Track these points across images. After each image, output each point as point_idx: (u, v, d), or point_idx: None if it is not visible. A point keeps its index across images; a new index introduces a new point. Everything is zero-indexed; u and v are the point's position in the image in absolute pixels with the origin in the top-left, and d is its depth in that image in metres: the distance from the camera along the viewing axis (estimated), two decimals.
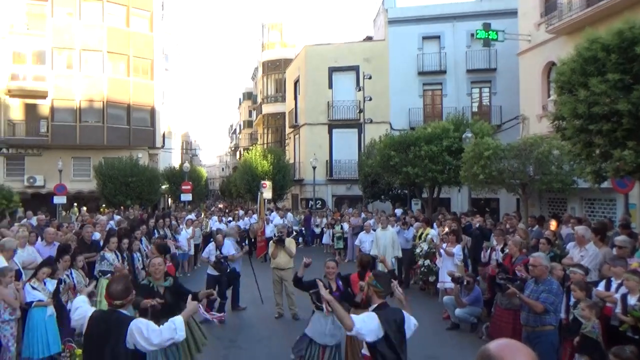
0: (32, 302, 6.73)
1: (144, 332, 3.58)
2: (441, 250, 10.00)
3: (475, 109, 27.48)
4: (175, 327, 3.70)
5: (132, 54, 29.76)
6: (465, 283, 8.65)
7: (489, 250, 9.79)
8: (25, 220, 14.55)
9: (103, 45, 28.67)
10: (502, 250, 8.90)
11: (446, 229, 11.11)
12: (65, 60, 28.33)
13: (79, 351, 6.84)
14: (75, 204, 25.19)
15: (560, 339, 5.82)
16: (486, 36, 19.89)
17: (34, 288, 6.86)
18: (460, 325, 8.86)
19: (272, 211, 21.13)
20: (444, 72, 27.78)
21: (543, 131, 14.91)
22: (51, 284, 7.11)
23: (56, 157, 26.55)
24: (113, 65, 29.30)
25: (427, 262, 11.35)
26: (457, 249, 9.83)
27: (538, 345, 5.25)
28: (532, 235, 10.32)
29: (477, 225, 12.06)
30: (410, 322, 4.11)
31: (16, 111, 28.15)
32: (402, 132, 20.48)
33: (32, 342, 6.66)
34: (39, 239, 9.27)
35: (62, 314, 7.12)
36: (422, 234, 12.31)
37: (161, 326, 3.71)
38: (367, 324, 3.86)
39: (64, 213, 22.58)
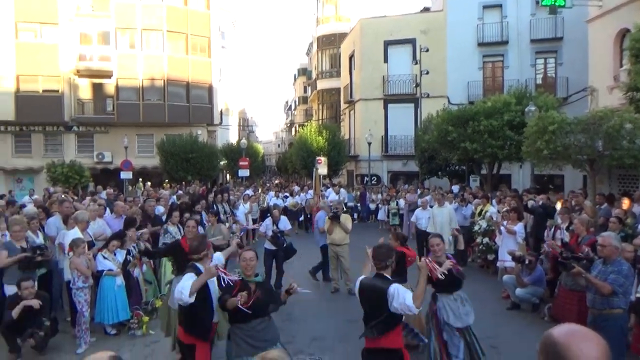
0: (103, 270, 7.15)
1: (178, 286, 4.28)
2: (502, 228, 9.69)
3: (539, 81, 26.15)
4: (182, 289, 4.17)
5: (190, 32, 30.40)
6: (527, 262, 8.36)
7: (552, 229, 9.39)
8: (97, 194, 15.43)
9: (162, 24, 29.44)
10: (568, 229, 8.51)
11: (506, 207, 10.74)
12: (127, 40, 29.36)
13: (146, 318, 7.25)
14: (140, 179, 26.35)
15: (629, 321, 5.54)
16: (552, 3, 18.66)
17: (105, 258, 7.29)
18: (521, 306, 8.61)
19: (328, 187, 21.23)
20: (506, 42, 26.52)
21: (614, 103, 13.97)
22: (120, 255, 7.52)
23: (122, 134, 27.80)
24: (172, 44, 30.07)
25: (486, 239, 11.07)
26: (518, 227, 9.50)
27: (605, 329, 5.01)
28: (600, 214, 9.80)
29: (541, 202, 11.57)
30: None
31: (84, 91, 29.59)
32: (460, 107, 19.84)
33: (102, 309, 7.11)
34: (107, 211, 9.82)
35: (130, 284, 7.53)
36: (481, 211, 11.98)
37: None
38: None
39: (130, 188, 23.69)
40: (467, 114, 17.92)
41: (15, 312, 6.09)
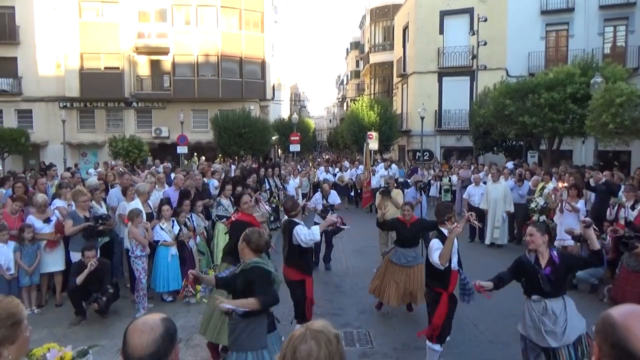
0: (158, 240, 7.46)
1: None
2: (565, 206, 9.19)
3: (607, 51, 24.54)
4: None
5: (243, 7, 30.58)
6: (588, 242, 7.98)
7: (616, 207, 8.89)
8: (154, 167, 16.05)
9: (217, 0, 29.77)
10: (633, 208, 8.04)
11: (564, 184, 10.24)
12: (183, 16, 29.93)
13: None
14: (195, 154, 27.13)
15: None
16: None
17: (161, 229, 7.59)
18: (579, 286, 8.28)
19: (378, 162, 21.05)
20: (572, 9, 24.97)
21: None
22: (176, 227, 7.81)
23: (178, 109, 28.62)
24: (226, 20, 30.37)
25: (543, 217, 10.64)
26: (581, 204, 9.06)
27: None
28: None
29: (604, 179, 10.96)
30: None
31: (143, 67, 30.56)
32: (519, 79, 18.98)
33: (156, 277, 7.46)
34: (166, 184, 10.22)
35: (184, 254, 7.83)
36: (543, 187, 11.48)
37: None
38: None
39: (185, 162, 24.45)
40: (526, 86, 17.14)
41: (79, 279, 6.48)
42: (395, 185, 10.71)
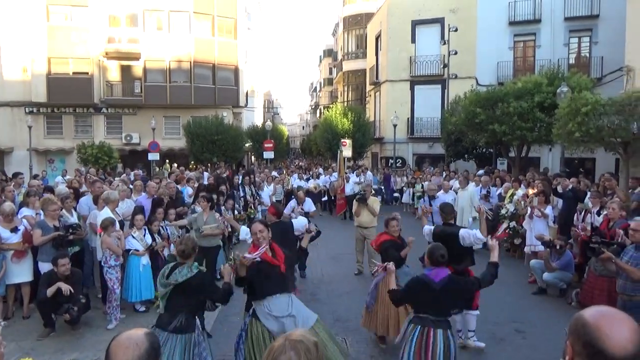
0: (129, 250, 7.33)
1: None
2: (534, 212, 9.41)
3: (572, 61, 25.33)
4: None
5: (216, 14, 30.42)
6: (558, 247, 8.21)
7: (582, 213, 9.18)
8: (124, 175, 15.76)
9: (189, 5, 29.53)
10: (598, 214, 8.31)
11: (534, 190, 10.51)
12: (155, 22, 29.57)
13: None
14: (167, 161, 26.77)
15: None
16: None
17: (133, 237, 7.46)
18: (548, 291, 8.50)
19: (352, 170, 21.19)
20: (539, 21, 25.72)
21: None
22: (148, 236, 7.68)
23: (149, 115, 28.20)
24: (199, 26, 30.16)
25: (513, 223, 10.90)
26: (549, 210, 9.31)
27: (636, 315, 4.89)
28: (633, 198, 9.52)
29: (570, 186, 11.30)
30: None
31: (113, 73, 30.01)
32: (489, 88, 19.43)
33: (128, 287, 7.32)
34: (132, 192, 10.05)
35: (157, 263, 7.70)
36: (512, 194, 11.76)
37: None
38: None
39: (157, 169, 24.10)
40: (496, 95, 17.55)
41: (50, 291, 6.30)
42: (372, 192, 10.78)
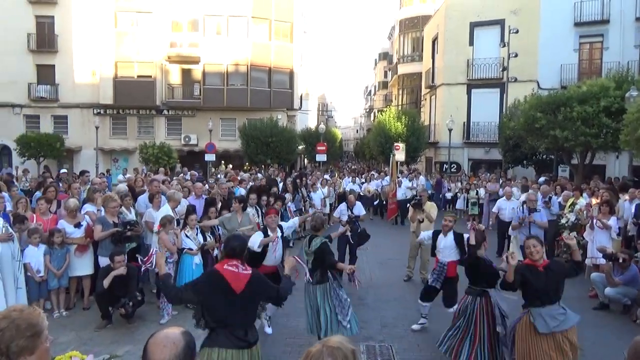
0: (184, 248, 7.55)
1: None
2: (595, 222, 8.93)
3: None
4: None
5: (273, 18, 30.98)
6: (620, 260, 7.73)
7: None
8: (181, 175, 16.32)
9: (248, 10, 30.24)
10: None
11: (597, 200, 9.94)
12: (214, 26, 30.49)
13: None
14: (223, 162, 27.46)
15: None
16: None
17: (187, 236, 7.67)
18: (610, 306, 8.01)
19: (406, 174, 20.90)
20: (607, 21, 24.39)
21: None
22: (201, 236, 7.89)
23: (207, 118, 29.09)
24: (256, 30, 30.81)
25: (574, 234, 10.35)
26: (613, 221, 8.78)
27: None
28: None
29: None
30: None
31: (174, 76, 31.21)
32: (551, 92, 18.61)
33: (180, 284, 7.50)
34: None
35: (208, 262, 7.89)
36: (573, 203, 11.18)
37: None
38: None
39: (213, 169, 24.78)
40: (558, 99, 16.78)
41: (106, 282, 6.61)
42: (428, 197, 10.48)
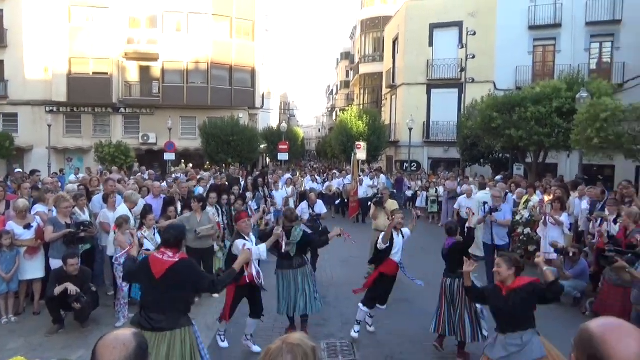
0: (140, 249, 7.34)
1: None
2: (548, 219, 9.25)
3: (593, 67, 24.88)
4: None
5: (234, 16, 30.64)
6: (570, 254, 8.04)
7: (599, 221, 8.97)
8: (139, 174, 15.91)
9: (208, 7, 29.79)
10: (615, 222, 8.12)
11: (550, 197, 10.31)
12: (174, 23, 29.90)
13: None
14: (183, 161, 26.99)
15: None
16: None
17: (144, 237, 7.47)
18: (561, 299, 8.30)
19: (367, 172, 21.09)
20: (559, 25, 25.34)
21: None
22: (159, 237, 7.70)
23: (166, 116, 28.51)
24: (217, 28, 30.39)
25: (527, 230, 10.72)
26: (564, 218, 9.11)
27: None
28: None
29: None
30: None
31: (132, 73, 30.41)
32: (507, 92, 19.19)
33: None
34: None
35: None
36: (527, 200, 11.56)
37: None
38: None
39: (172, 169, 24.31)
40: (513, 100, 17.32)
41: (57, 291, 6.35)
42: (389, 196, 10.61)
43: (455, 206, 13.06)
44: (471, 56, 23.42)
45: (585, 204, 10.18)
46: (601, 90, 15.59)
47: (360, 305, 6.69)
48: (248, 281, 5.64)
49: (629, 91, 21.23)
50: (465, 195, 12.85)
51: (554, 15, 25.41)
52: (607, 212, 8.81)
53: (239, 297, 5.98)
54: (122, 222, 7.05)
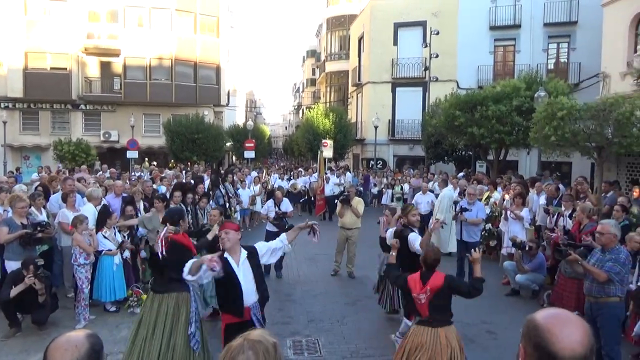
0: (102, 250, 7.20)
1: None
2: (509, 214, 9.54)
3: (551, 67, 25.71)
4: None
5: (198, 12, 30.18)
6: (527, 248, 8.31)
7: (555, 216, 9.31)
8: (100, 172, 15.52)
9: (171, 2, 29.23)
10: (570, 217, 8.43)
11: (509, 193, 10.63)
12: (136, 18, 29.19)
13: (144, 296, 7.29)
14: (146, 159, 26.44)
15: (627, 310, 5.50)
16: None
17: (105, 237, 7.32)
18: (521, 292, 8.59)
19: (333, 170, 21.19)
20: (519, 26, 26.07)
21: (626, 90, 13.70)
22: (120, 236, 7.55)
23: (128, 113, 27.85)
24: (181, 23, 29.86)
25: (489, 225, 11.01)
26: (525, 213, 9.41)
27: (601, 316, 4.98)
28: (605, 202, 9.70)
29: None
30: None
31: (92, 69, 29.52)
32: (469, 91, 19.62)
33: (100, 287, 7.18)
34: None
35: (129, 263, 7.58)
36: (488, 197, 11.87)
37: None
38: None
39: (136, 167, 23.78)
40: (475, 98, 17.71)
41: (13, 292, 6.14)
42: (355, 193, 10.74)
43: (412, 202, 13.25)
44: (434, 55, 23.82)
45: (542, 200, 10.55)
46: (558, 90, 16.12)
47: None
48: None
49: (585, 90, 22.02)
50: (421, 192, 13.25)
51: (513, 16, 26.12)
52: (562, 208, 9.15)
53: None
54: (76, 223, 6.87)
